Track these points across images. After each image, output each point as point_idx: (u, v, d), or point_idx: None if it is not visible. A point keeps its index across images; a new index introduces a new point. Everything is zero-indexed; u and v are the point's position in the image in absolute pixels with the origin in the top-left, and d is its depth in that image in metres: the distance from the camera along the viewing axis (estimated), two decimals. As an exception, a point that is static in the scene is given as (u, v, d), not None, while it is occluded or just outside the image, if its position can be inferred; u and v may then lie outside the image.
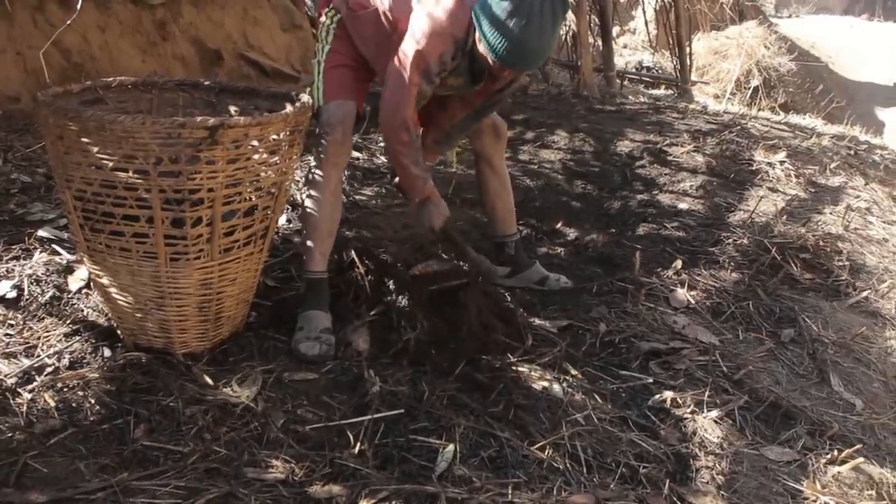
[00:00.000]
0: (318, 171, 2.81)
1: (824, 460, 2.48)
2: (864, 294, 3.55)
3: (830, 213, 4.39)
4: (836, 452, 2.51)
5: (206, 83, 2.80)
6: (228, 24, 5.63)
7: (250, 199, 2.38)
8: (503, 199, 3.35)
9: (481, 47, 2.63)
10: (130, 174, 2.15)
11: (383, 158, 4.61)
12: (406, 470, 2.14)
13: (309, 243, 2.83)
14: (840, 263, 3.74)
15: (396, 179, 3.01)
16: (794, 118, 7.70)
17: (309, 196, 2.82)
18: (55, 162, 2.28)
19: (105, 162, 2.15)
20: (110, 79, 2.65)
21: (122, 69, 4.65)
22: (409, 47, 2.66)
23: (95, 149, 2.14)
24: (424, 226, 2.93)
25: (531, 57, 2.64)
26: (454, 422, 2.34)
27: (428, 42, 2.65)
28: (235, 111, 2.74)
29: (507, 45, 2.55)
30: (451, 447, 2.22)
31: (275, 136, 2.34)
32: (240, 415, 2.25)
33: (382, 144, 4.79)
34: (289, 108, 2.44)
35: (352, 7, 2.85)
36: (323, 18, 2.92)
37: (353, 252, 3.00)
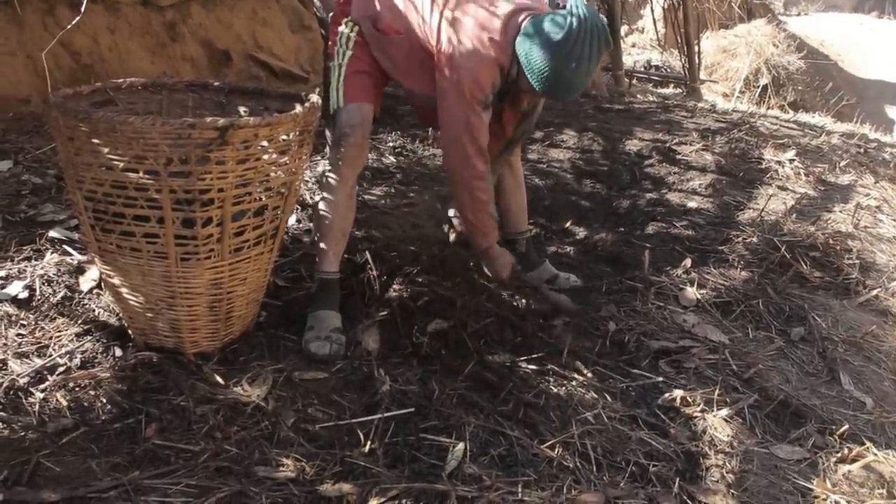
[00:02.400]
0: (334, 173, 2.82)
1: (834, 459, 2.48)
2: (875, 292, 3.54)
3: (840, 212, 4.38)
4: (846, 451, 2.50)
5: (216, 84, 2.81)
6: (237, 25, 5.64)
7: (260, 199, 2.39)
8: (518, 196, 3.36)
9: (525, 79, 2.68)
10: (141, 175, 2.16)
11: (392, 158, 4.62)
12: (416, 468, 2.15)
13: (322, 244, 2.84)
14: (850, 261, 3.73)
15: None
16: (804, 116, 7.69)
17: (324, 198, 2.83)
18: (66, 163, 2.29)
19: (115, 163, 2.15)
20: (120, 80, 2.66)
21: (132, 70, 4.66)
22: (463, 78, 2.70)
23: (106, 150, 2.15)
24: (494, 275, 3.06)
25: (576, 90, 2.70)
26: (464, 420, 2.34)
27: (480, 72, 2.70)
28: (245, 112, 2.75)
29: (556, 84, 2.63)
30: (461, 446, 2.23)
31: (284, 137, 2.35)
32: (250, 414, 2.26)
33: (389, 144, 4.81)
34: (298, 108, 2.44)
35: (382, 30, 2.86)
36: (342, 28, 2.91)
37: (367, 253, 3.02)
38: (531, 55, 2.59)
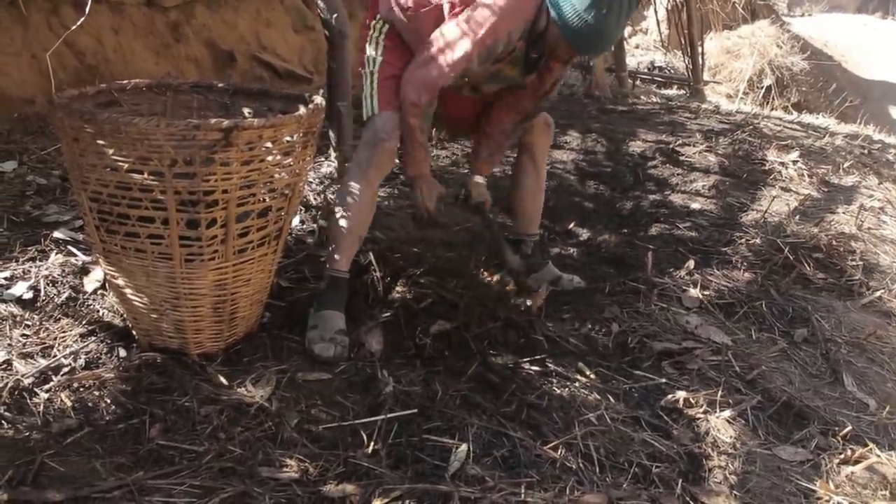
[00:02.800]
0: (361, 175, 2.81)
1: (837, 460, 2.48)
2: (878, 294, 3.54)
3: (844, 213, 4.38)
4: (849, 452, 2.50)
5: (220, 85, 2.82)
6: (241, 26, 5.65)
7: (264, 200, 2.39)
8: (536, 196, 3.36)
9: (555, 31, 2.65)
10: (146, 176, 2.17)
11: (396, 160, 4.61)
12: (419, 469, 2.16)
13: (339, 243, 2.85)
14: (853, 263, 3.73)
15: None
16: (807, 117, 7.69)
17: (347, 199, 2.82)
18: (71, 164, 2.29)
19: (120, 164, 2.16)
20: (125, 81, 2.67)
21: (136, 71, 4.67)
22: (482, 16, 2.66)
23: (111, 151, 2.16)
24: (419, 206, 2.93)
25: (605, 44, 2.69)
26: (467, 421, 2.35)
27: (502, 15, 2.66)
28: (249, 113, 2.75)
29: (586, 32, 2.59)
30: (463, 447, 2.23)
31: (288, 138, 2.36)
32: (254, 414, 2.26)
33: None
34: (302, 109, 2.45)
35: (412, 10, 2.83)
36: (371, 31, 2.93)
37: (370, 255, 3.03)
38: (561, 4, 2.58)
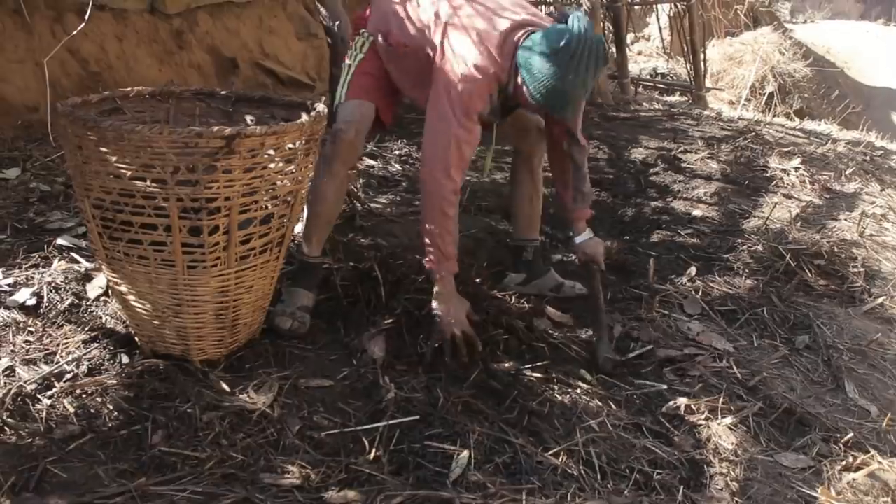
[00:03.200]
0: (326, 167, 2.86)
1: (839, 467, 2.48)
2: (880, 300, 3.54)
3: (845, 220, 4.38)
4: (850, 459, 2.51)
5: (223, 93, 2.83)
6: (244, 33, 5.67)
7: (266, 207, 2.40)
8: (534, 202, 3.36)
9: (524, 91, 2.68)
10: (148, 183, 2.18)
11: (398, 166, 4.63)
12: (421, 476, 2.16)
13: (308, 230, 2.93)
14: (855, 270, 3.73)
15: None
16: (810, 124, 7.70)
17: (314, 188, 2.85)
18: (74, 171, 2.30)
19: (123, 171, 2.17)
20: (128, 88, 2.68)
21: (139, 78, 4.68)
22: (459, 90, 2.70)
23: (114, 158, 2.16)
24: (442, 329, 2.77)
25: (571, 104, 2.71)
26: (469, 428, 2.35)
27: (476, 86, 2.70)
28: (251, 120, 2.76)
29: (553, 95, 2.62)
30: (465, 453, 2.24)
31: (291, 145, 2.36)
32: (256, 421, 2.27)
33: (395, 152, 4.82)
34: (304, 117, 2.45)
35: (392, 44, 2.91)
36: (357, 38, 3.01)
37: (373, 261, 3.05)
38: (531, 65, 2.61)
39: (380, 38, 2.93)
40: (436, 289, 2.82)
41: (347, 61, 2.99)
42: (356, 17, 3.14)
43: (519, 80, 2.68)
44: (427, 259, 2.82)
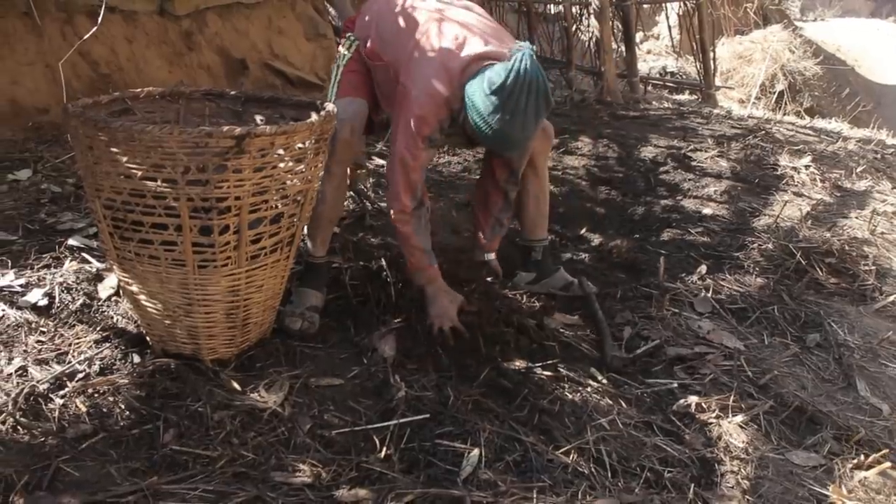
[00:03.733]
0: (325, 169, 2.84)
1: (850, 465, 2.48)
2: (891, 298, 3.53)
3: (856, 218, 4.37)
4: (862, 457, 2.50)
5: (232, 93, 2.84)
6: (253, 34, 5.68)
7: (276, 206, 2.40)
8: (540, 202, 3.35)
9: (469, 124, 2.70)
10: (159, 183, 2.18)
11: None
12: (431, 474, 2.16)
13: (311, 230, 2.95)
14: (866, 268, 3.72)
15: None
16: (820, 122, 7.67)
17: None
18: (85, 172, 2.31)
19: (134, 171, 2.18)
20: (138, 90, 2.69)
21: (149, 79, 4.70)
22: (412, 112, 2.74)
23: (125, 159, 2.17)
24: (437, 320, 2.85)
25: (512, 146, 2.75)
26: (479, 426, 2.35)
27: (428, 109, 2.74)
28: (261, 120, 2.77)
29: (492, 134, 2.64)
30: (476, 451, 2.24)
31: (300, 145, 2.37)
32: (267, 420, 2.27)
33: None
34: (314, 116, 2.46)
35: (368, 55, 2.99)
36: (343, 40, 3.06)
37: (382, 260, 3.05)
38: (474, 100, 2.63)
39: (363, 45, 3.00)
40: (425, 292, 2.91)
41: (336, 62, 3.03)
42: (348, 19, 3.22)
43: (467, 114, 2.69)
44: (412, 278, 2.97)
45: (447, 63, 2.72)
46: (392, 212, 2.88)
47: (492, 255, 3.34)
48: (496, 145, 2.73)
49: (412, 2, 2.93)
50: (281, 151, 2.31)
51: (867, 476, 2.43)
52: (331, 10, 3.69)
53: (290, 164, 2.38)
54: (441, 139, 2.85)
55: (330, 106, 2.58)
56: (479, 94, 2.60)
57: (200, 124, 2.74)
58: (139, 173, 2.18)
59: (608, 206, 4.50)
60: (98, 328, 2.60)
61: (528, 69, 2.53)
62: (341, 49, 3.04)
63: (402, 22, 2.88)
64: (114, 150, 2.18)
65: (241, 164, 2.20)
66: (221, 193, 2.22)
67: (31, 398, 2.23)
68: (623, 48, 8.12)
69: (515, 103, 2.54)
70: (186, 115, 2.77)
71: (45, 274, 2.80)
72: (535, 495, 2.11)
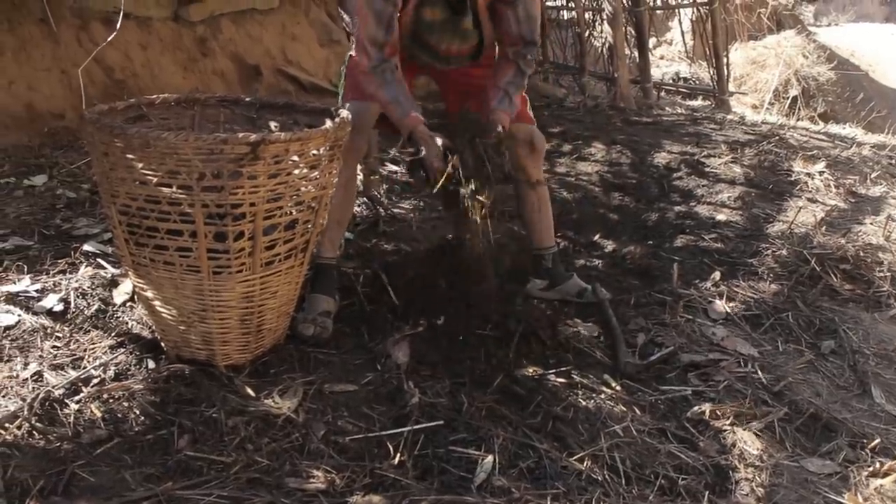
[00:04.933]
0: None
1: (866, 473, 2.46)
2: (906, 305, 3.51)
3: (871, 224, 4.34)
4: (878, 465, 2.48)
5: (247, 99, 2.85)
6: (267, 40, 5.70)
7: (291, 213, 2.41)
8: (542, 211, 3.33)
9: None
10: (174, 189, 2.19)
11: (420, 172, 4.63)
12: (445, 480, 2.16)
13: (322, 231, 2.90)
14: (881, 274, 3.70)
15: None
16: (834, 128, 7.63)
17: None
18: (100, 178, 2.32)
19: (149, 177, 2.19)
20: (153, 96, 2.71)
21: (164, 85, 4.72)
22: None
23: (140, 165, 2.19)
24: (425, 166, 2.80)
25: None
26: (493, 433, 2.35)
27: None
28: (276, 127, 2.78)
29: None
30: (489, 458, 2.24)
31: (315, 152, 2.37)
32: (281, 426, 2.28)
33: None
34: (328, 123, 2.47)
35: (352, 63, 2.98)
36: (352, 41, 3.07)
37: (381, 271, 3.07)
38: None
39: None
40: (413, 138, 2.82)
41: (344, 65, 3.05)
42: None
43: None
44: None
45: None
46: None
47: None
48: None
49: None
50: (296, 158, 2.32)
51: (883, 484, 2.42)
52: (344, 16, 3.70)
53: (305, 170, 2.39)
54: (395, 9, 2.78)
55: (344, 112, 2.59)
56: None
57: (215, 131, 2.75)
58: (154, 179, 2.19)
59: (621, 212, 4.50)
60: (113, 334, 2.61)
61: None
62: (350, 52, 3.03)
63: None
64: (129, 156, 2.19)
65: (256, 170, 2.21)
66: (236, 200, 2.23)
67: (47, 403, 2.24)
68: (636, 54, 8.11)
69: None
70: (201, 121, 2.78)
71: (61, 279, 2.82)
72: (549, 502, 2.10)
